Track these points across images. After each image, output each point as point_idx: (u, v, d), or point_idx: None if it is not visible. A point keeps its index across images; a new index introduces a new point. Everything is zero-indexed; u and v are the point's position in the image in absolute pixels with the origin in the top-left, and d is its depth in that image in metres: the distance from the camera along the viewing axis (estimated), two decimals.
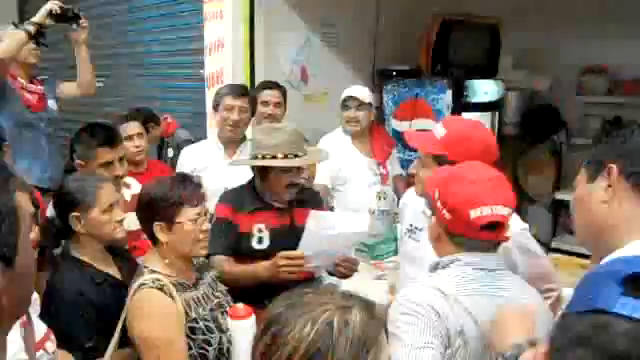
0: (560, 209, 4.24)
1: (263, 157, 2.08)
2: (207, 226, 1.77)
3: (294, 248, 1.97)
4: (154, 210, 1.70)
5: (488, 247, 1.40)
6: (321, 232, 1.92)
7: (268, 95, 3.08)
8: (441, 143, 1.72)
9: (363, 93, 3.19)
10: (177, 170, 2.77)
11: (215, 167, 2.77)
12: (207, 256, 2.03)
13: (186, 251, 1.74)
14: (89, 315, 1.72)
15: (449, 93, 3.61)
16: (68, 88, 3.23)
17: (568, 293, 1.66)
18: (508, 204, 1.36)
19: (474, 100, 3.70)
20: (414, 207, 1.98)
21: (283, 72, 3.57)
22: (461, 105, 3.62)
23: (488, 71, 3.92)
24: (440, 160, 1.71)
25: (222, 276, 1.97)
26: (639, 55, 3.88)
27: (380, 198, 3.22)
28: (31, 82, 3.08)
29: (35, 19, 2.76)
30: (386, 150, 3.33)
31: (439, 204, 1.40)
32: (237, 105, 2.75)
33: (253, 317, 1.67)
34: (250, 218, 2.14)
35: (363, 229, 2.03)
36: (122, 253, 2.02)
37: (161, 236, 1.70)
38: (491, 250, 1.42)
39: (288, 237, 2.10)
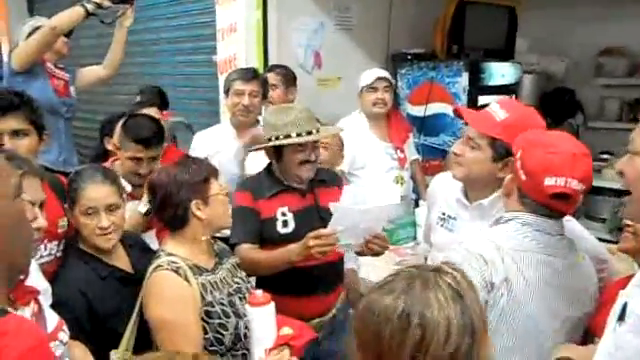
0: None
1: (276, 138, 2.04)
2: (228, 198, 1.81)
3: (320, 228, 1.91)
4: (189, 190, 1.70)
5: (551, 215, 1.46)
6: (353, 207, 1.87)
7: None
8: (500, 126, 1.65)
9: (389, 75, 3.17)
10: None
11: (229, 152, 2.73)
12: (231, 245, 2.01)
13: (221, 222, 1.80)
14: (83, 316, 1.64)
15: (465, 76, 3.54)
16: (91, 72, 3.30)
17: (618, 268, 1.69)
18: (584, 181, 1.39)
19: (490, 83, 3.63)
20: (447, 194, 1.92)
21: (296, 57, 3.52)
22: (477, 88, 3.55)
23: (505, 53, 3.84)
24: (495, 143, 1.65)
25: (247, 266, 1.94)
26: None
27: (398, 183, 3.18)
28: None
29: None
30: (403, 134, 3.29)
31: (518, 164, 1.45)
32: (247, 89, 2.71)
33: (272, 304, 1.64)
34: (271, 203, 2.09)
35: (395, 201, 2.01)
36: (136, 244, 1.95)
37: (199, 213, 1.71)
38: (553, 218, 1.46)
39: (313, 219, 2.06)
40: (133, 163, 2.18)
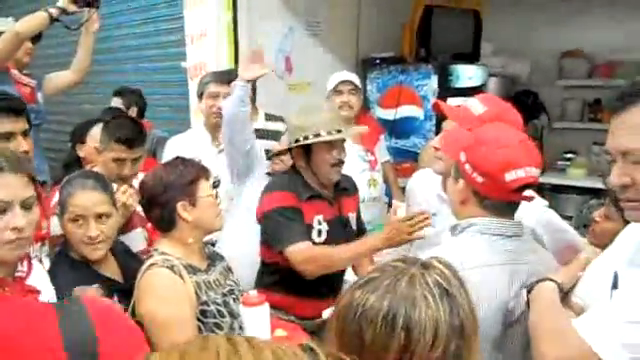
0: (543, 193, 4.28)
1: (306, 138, 2.00)
2: (219, 199, 1.77)
3: (346, 240, 1.95)
4: (175, 191, 1.67)
5: (515, 208, 1.42)
6: None
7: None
8: (478, 120, 1.66)
9: (355, 77, 3.18)
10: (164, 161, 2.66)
11: (203, 156, 2.69)
12: (280, 249, 1.97)
13: (209, 225, 1.75)
14: None
15: (434, 79, 3.61)
16: (58, 77, 3.20)
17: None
18: (538, 165, 1.36)
19: (458, 85, 3.71)
20: (426, 191, 1.95)
21: (267, 62, 3.51)
22: (446, 90, 3.62)
23: (471, 56, 3.93)
24: None
25: (319, 260, 1.91)
26: (615, 38, 3.96)
27: (370, 185, 3.20)
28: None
29: (59, 4, 2.75)
30: (374, 137, 3.32)
31: (468, 167, 1.39)
32: (222, 91, 2.67)
33: (266, 305, 1.63)
34: (309, 208, 2.05)
35: None
36: (124, 251, 1.91)
37: (186, 215, 1.67)
38: (512, 213, 1.42)
39: (340, 229, 2.05)
40: (116, 165, 2.13)
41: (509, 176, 1.31)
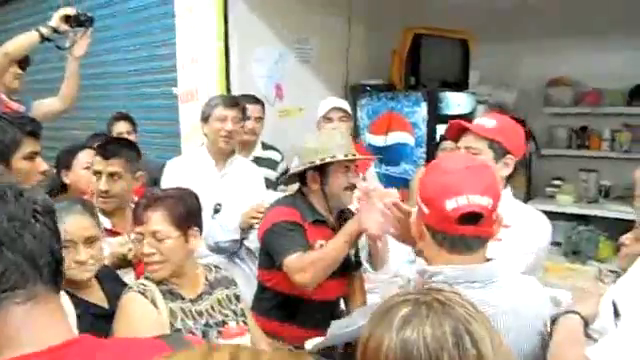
0: None
1: (322, 160, 2.04)
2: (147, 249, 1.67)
3: (346, 269, 2.04)
4: (195, 217, 1.72)
5: (473, 245, 1.25)
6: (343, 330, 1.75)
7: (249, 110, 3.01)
8: (493, 131, 1.73)
9: (345, 104, 3.19)
10: (162, 184, 2.57)
11: (205, 180, 2.60)
12: (279, 261, 1.97)
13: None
14: None
15: (424, 106, 3.64)
16: (47, 104, 3.12)
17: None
18: (487, 193, 1.21)
19: (447, 113, 3.74)
20: None
21: (258, 88, 3.54)
22: (435, 117, 3.65)
23: (460, 84, 3.98)
24: (493, 144, 1.72)
25: (307, 268, 1.90)
26: (600, 66, 4.03)
27: None
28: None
29: (51, 23, 2.73)
30: (365, 163, 3.32)
31: (418, 198, 1.30)
32: (230, 115, 2.65)
33: (247, 336, 1.62)
34: (312, 230, 2.07)
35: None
36: (109, 277, 1.85)
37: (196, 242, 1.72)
38: (477, 248, 1.25)
39: None
40: (96, 178, 2.15)
41: (449, 204, 1.19)
